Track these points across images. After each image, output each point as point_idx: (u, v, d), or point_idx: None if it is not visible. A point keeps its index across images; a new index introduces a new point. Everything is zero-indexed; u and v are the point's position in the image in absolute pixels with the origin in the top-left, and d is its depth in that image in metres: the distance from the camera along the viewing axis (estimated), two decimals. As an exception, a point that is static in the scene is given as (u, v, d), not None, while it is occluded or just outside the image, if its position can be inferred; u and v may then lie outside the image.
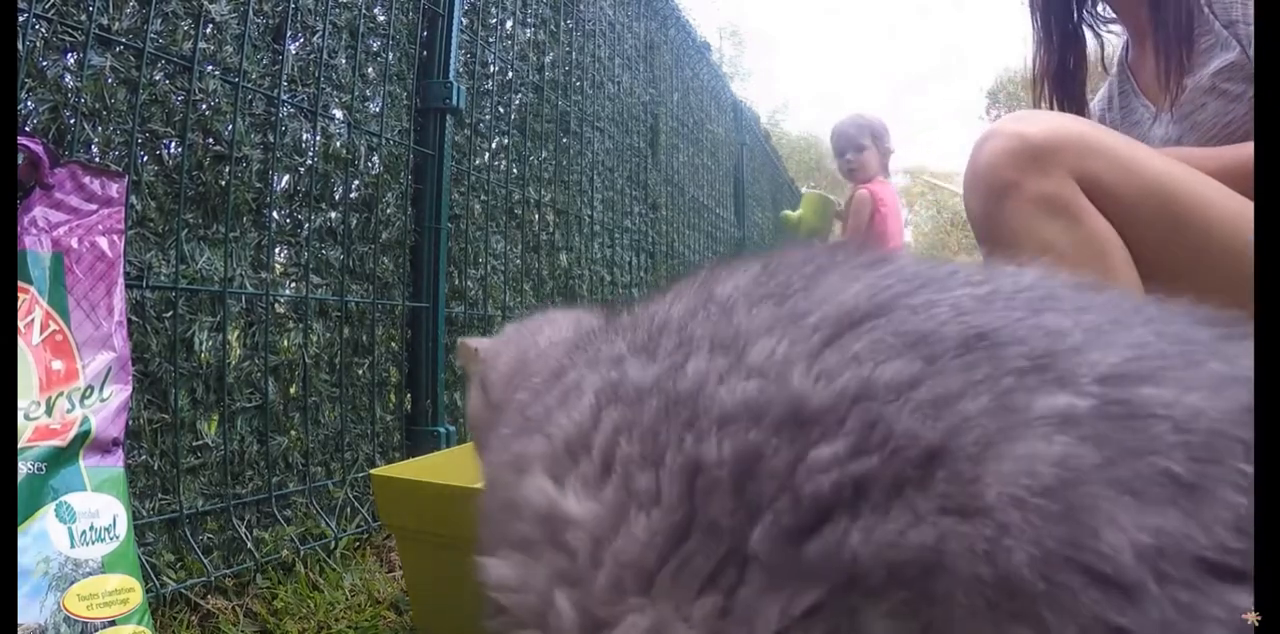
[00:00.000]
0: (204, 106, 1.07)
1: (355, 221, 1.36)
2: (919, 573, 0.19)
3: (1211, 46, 0.97)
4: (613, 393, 0.28)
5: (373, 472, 0.94)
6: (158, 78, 1.00)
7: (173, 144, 1.03)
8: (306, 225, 1.26)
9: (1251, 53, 0.92)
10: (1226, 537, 0.17)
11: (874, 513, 0.21)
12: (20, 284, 0.74)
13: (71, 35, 0.90)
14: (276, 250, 1.22)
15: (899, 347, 0.23)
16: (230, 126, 1.09)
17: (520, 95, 1.95)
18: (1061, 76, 1.17)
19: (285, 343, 1.24)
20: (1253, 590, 0.17)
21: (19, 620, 0.65)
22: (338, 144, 1.32)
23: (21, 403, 0.71)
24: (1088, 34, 1.16)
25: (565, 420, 0.29)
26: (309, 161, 1.26)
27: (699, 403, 0.25)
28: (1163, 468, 0.18)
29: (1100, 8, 1.15)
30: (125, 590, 0.74)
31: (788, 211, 3.32)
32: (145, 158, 0.99)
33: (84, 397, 0.77)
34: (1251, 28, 0.92)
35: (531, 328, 0.70)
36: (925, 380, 0.22)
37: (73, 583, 0.70)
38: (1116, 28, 1.17)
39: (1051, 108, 1.18)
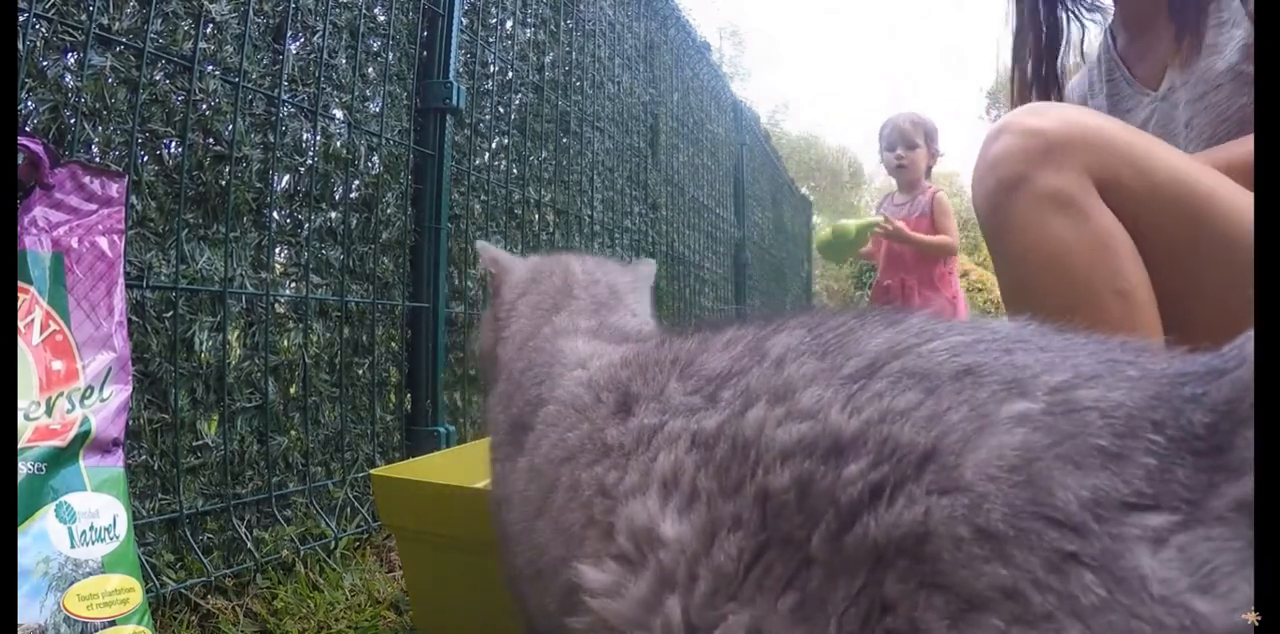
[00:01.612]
0: (204, 106, 1.07)
1: (355, 221, 1.36)
2: (914, 542, 0.26)
3: (1224, 23, 0.96)
4: (693, 439, 0.36)
5: (373, 472, 0.94)
6: (158, 78, 1.00)
7: (173, 144, 1.03)
8: (306, 225, 1.26)
9: None
10: (1141, 485, 0.25)
11: (885, 506, 0.27)
12: (20, 284, 0.74)
13: (71, 35, 0.90)
14: (276, 250, 1.22)
15: (909, 382, 0.30)
16: (230, 126, 1.09)
17: (520, 95, 1.95)
18: (1039, 65, 1.16)
19: (285, 343, 1.24)
20: (1160, 511, 0.24)
21: (19, 620, 0.65)
22: (338, 144, 1.32)
23: (21, 403, 0.71)
24: (1074, 24, 1.16)
25: (662, 458, 0.37)
26: (309, 161, 1.26)
27: (761, 443, 0.33)
28: (1094, 444, 0.26)
29: None
30: (125, 590, 0.74)
31: (846, 221, 2.93)
32: (145, 158, 0.99)
33: (84, 397, 0.77)
34: None
35: (545, 260, 0.80)
36: (925, 403, 0.29)
37: (73, 583, 0.70)
38: (1096, 17, 1.17)
39: (1029, 95, 1.17)
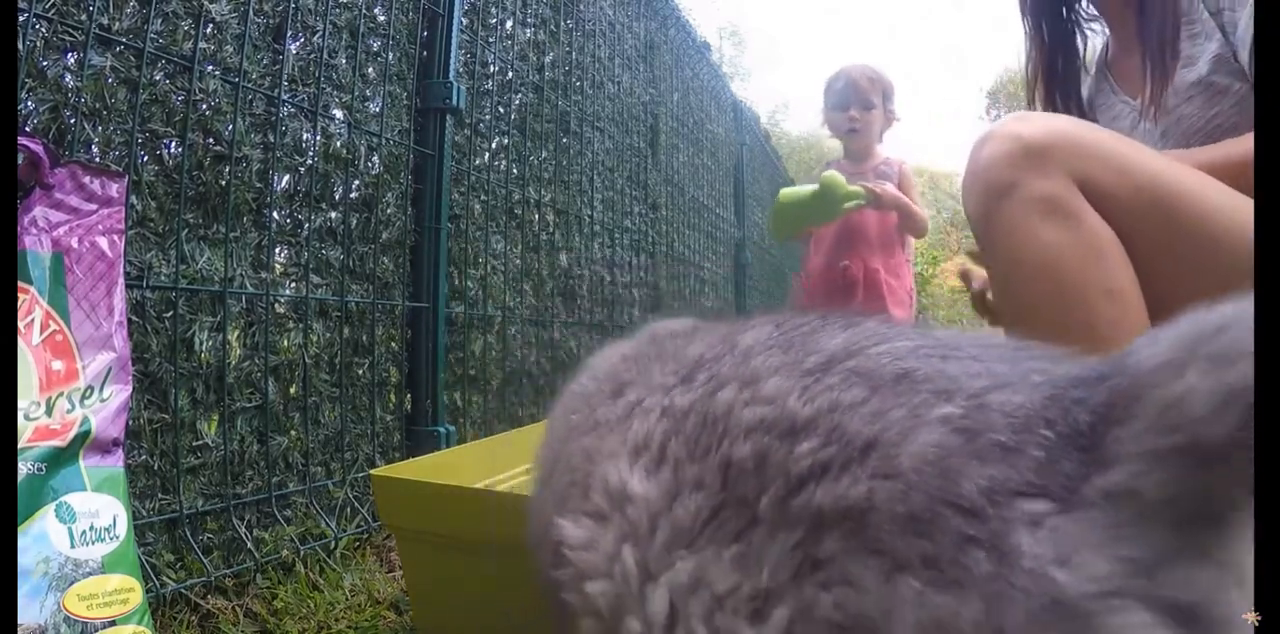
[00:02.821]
0: (204, 106, 1.07)
1: (355, 221, 1.36)
2: (858, 513, 0.31)
3: (1196, 35, 0.96)
4: (664, 412, 0.41)
5: (373, 472, 0.94)
6: (158, 78, 1.00)
7: (173, 144, 1.03)
8: (306, 225, 1.26)
9: (1233, 42, 0.92)
10: (1031, 476, 0.30)
11: (832, 480, 0.33)
12: (20, 284, 0.74)
13: (71, 35, 0.90)
14: (276, 250, 1.22)
15: (857, 379, 0.36)
16: (230, 126, 1.09)
17: (520, 95, 1.95)
18: (1053, 77, 1.17)
19: (285, 343, 1.24)
20: (1043, 498, 0.29)
21: (19, 620, 0.65)
22: (338, 144, 1.32)
23: (21, 403, 0.71)
24: (1077, 33, 1.16)
25: (636, 426, 0.42)
26: (309, 161, 1.26)
27: (729, 420, 0.38)
28: (996, 440, 0.31)
29: (1084, 4, 1.15)
30: (125, 590, 0.74)
31: (835, 174, 2.28)
32: (145, 158, 0.99)
33: (84, 397, 0.77)
34: (1236, 14, 0.91)
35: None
36: (870, 400, 0.34)
37: (73, 583, 0.70)
38: (1098, 26, 1.17)
39: (1050, 109, 1.17)
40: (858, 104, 2.58)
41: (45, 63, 0.88)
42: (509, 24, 1.93)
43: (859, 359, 0.37)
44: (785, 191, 2.40)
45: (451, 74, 1.55)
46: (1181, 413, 0.28)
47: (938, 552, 0.29)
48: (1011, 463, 0.30)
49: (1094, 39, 1.18)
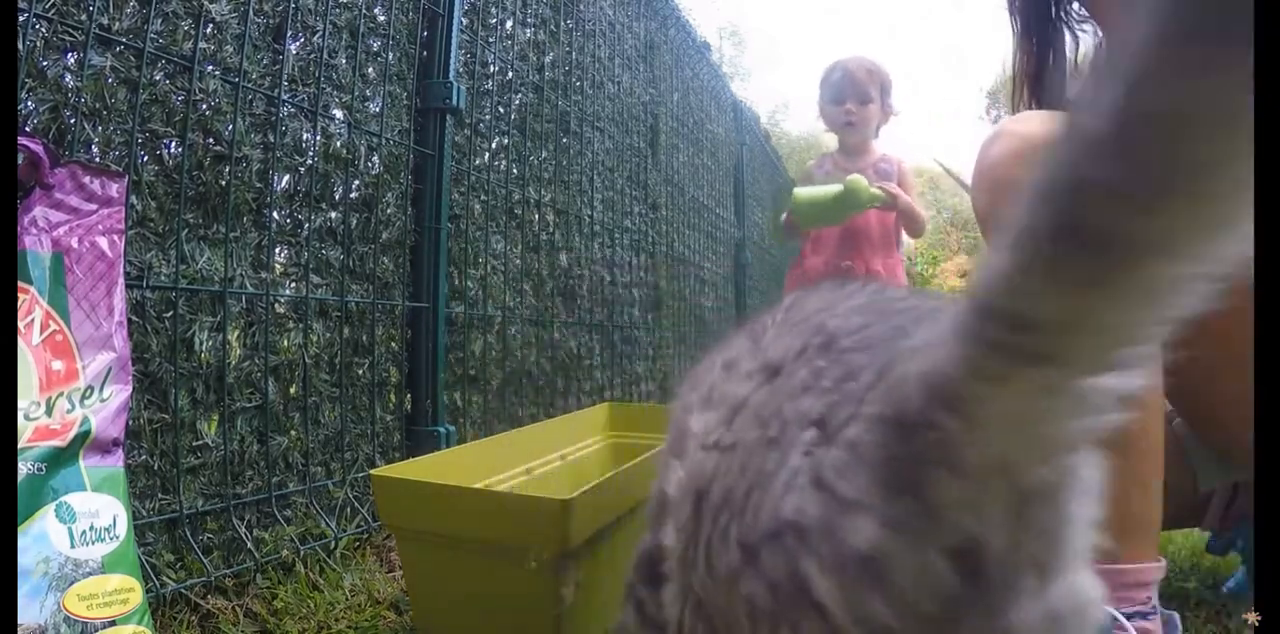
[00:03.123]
0: (204, 106, 1.07)
1: (355, 221, 1.36)
2: (738, 404, 0.45)
3: None
4: (720, 365, 0.52)
5: (373, 472, 0.94)
6: (158, 78, 1.00)
7: (173, 144, 1.03)
8: (306, 225, 1.26)
9: None
10: (823, 410, 0.38)
11: (742, 384, 0.46)
12: (20, 284, 0.74)
13: (71, 35, 0.90)
14: (276, 250, 1.22)
15: (802, 330, 0.46)
16: (230, 126, 1.09)
17: (520, 95, 1.95)
18: (1039, 79, 1.16)
19: (285, 343, 1.24)
20: (816, 430, 0.38)
21: (19, 620, 0.65)
22: (338, 144, 1.32)
23: (21, 403, 0.71)
24: (1066, 34, 1.16)
25: (703, 381, 0.53)
26: (309, 161, 1.26)
27: (734, 368, 0.49)
28: (822, 384, 0.40)
29: (1075, 5, 1.15)
30: (125, 590, 0.74)
31: (860, 177, 2.29)
32: (145, 158, 0.99)
33: (84, 397, 0.77)
34: None
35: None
36: (796, 344, 0.45)
37: (73, 583, 0.70)
38: (1089, 27, 1.17)
39: (1030, 109, 1.17)
40: (854, 97, 2.52)
41: (45, 63, 0.88)
42: (509, 24, 1.93)
43: (819, 316, 0.48)
44: (801, 191, 2.39)
45: (451, 74, 1.55)
46: (898, 388, 0.35)
47: (755, 445, 0.40)
48: (819, 399, 0.39)
49: (1084, 40, 1.18)
